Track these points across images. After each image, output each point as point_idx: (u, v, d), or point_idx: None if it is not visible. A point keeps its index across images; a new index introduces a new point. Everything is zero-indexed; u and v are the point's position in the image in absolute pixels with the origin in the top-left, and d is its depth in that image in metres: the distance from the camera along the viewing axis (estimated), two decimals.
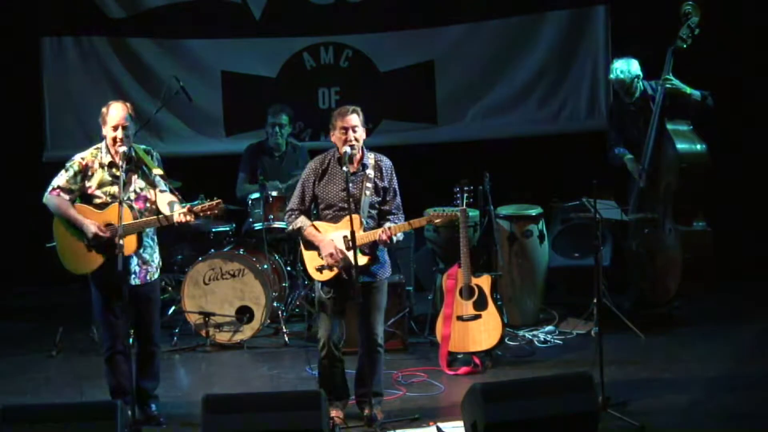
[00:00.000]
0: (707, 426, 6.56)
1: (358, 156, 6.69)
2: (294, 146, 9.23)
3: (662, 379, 7.33)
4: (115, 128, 6.62)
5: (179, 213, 6.56)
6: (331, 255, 6.58)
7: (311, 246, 6.70)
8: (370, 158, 6.73)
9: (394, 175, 6.80)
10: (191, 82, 9.53)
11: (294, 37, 10.17)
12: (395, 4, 10.09)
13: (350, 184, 6.60)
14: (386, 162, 6.79)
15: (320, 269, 6.66)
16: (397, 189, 6.80)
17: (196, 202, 6.62)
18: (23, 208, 9.38)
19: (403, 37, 10.13)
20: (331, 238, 6.62)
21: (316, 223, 6.73)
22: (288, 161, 9.11)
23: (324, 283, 6.70)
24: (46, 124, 10.06)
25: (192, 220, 6.60)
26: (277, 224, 8.63)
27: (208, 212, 6.61)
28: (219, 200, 6.63)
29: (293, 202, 6.78)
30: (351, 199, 6.58)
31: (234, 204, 8.93)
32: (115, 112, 6.65)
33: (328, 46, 10.20)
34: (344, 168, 6.57)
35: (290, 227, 6.78)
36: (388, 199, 6.76)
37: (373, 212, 6.71)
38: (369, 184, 6.64)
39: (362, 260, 6.59)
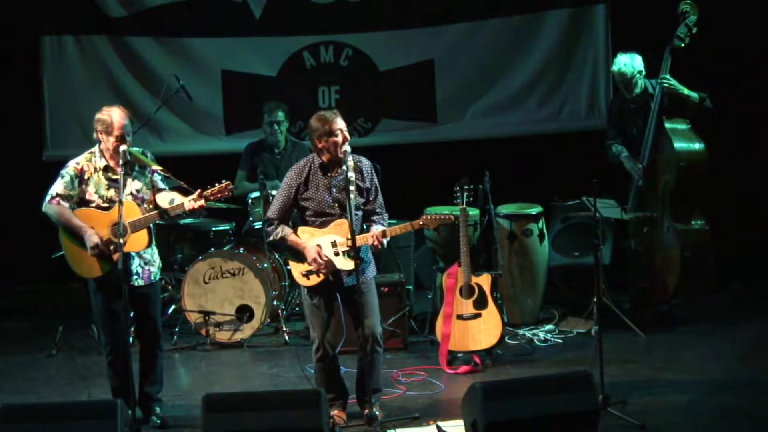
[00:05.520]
0: (707, 425, 6.56)
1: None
2: (294, 144, 9.23)
3: (662, 379, 7.33)
4: (122, 138, 6.58)
5: (190, 200, 6.56)
6: (314, 260, 6.57)
7: (296, 253, 6.68)
8: (349, 161, 6.67)
9: (374, 174, 6.79)
10: (191, 81, 9.53)
11: (294, 36, 10.17)
12: (395, 2, 10.10)
13: (333, 189, 6.61)
14: (366, 162, 6.77)
15: (306, 275, 6.65)
16: (378, 188, 6.80)
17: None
18: (23, 207, 9.39)
19: (403, 36, 10.13)
20: (316, 243, 6.61)
21: (304, 228, 6.70)
22: (288, 159, 9.09)
23: (310, 290, 6.70)
24: (46, 123, 10.05)
25: (204, 205, 6.59)
26: None
27: (219, 195, 6.63)
28: (228, 182, 6.64)
29: (272, 211, 6.73)
30: (337, 205, 6.62)
31: (234, 203, 8.93)
32: (120, 121, 6.58)
33: (328, 45, 10.20)
34: (350, 174, 6.56)
35: (271, 237, 6.72)
36: (371, 199, 6.75)
37: (359, 213, 6.71)
38: (352, 187, 6.61)
39: (350, 265, 6.58)
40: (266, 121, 9.10)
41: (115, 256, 6.48)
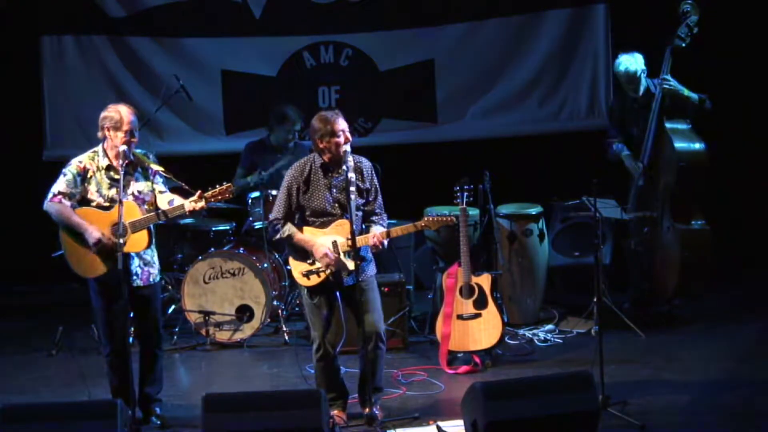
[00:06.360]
0: (707, 425, 6.56)
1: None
2: (294, 143, 9.22)
3: (662, 379, 7.33)
4: (131, 133, 6.59)
5: (190, 201, 6.57)
6: (326, 255, 6.57)
7: (299, 252, 6.69)
8: (350, 161, 6.69)
9: (374, 175, 6.80)
10: (191, 81, 9.53)
11: (294, 36, 10.17)
12: (395, 2, 10.10)
13: (334, 190, 6.62)
14: (366, 163, 6.78)
15: (307, 275, 6.65)
16: (378, 188, 6.80)
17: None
18: (23, 207, 9.39)
19: (403, 36, 10.14)
20: (322, 242, 6.62)
21: (305, 228, 6.71)
22: (288, 158, 9.08)
23: (310, 290, 6.71)
24: (46, 123, 10.06)
25: (204, 206, 6.59)
26: None
27: (219, 197, 6.63)
28: (229, 184, 6.65)
29: (277, 210, 6.73)
30: (338, 205, 6.63)
31: (235, 204, 8.93)
32: (129, 116, 6.60)
33: (328, 45, 10.20)
34: (350, 174, 6.57)
35: (277, 236, 6.73)
36: (370, 199, 6.76)
37: (359, 214, 6.72)
38: (352, 188, 6.62)
39: (351, 265, 6.58)
40: (287, 128, 8.97)
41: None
